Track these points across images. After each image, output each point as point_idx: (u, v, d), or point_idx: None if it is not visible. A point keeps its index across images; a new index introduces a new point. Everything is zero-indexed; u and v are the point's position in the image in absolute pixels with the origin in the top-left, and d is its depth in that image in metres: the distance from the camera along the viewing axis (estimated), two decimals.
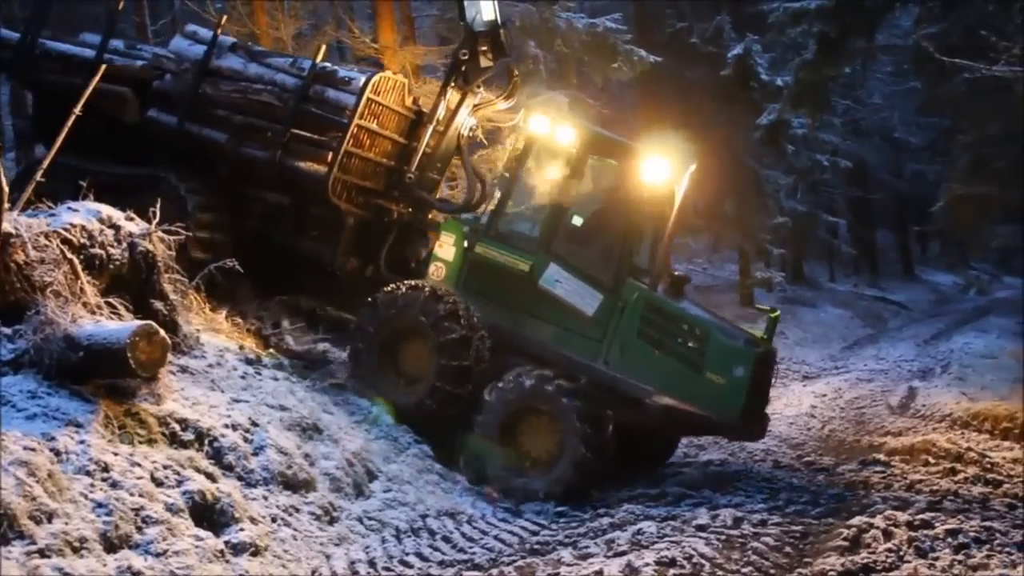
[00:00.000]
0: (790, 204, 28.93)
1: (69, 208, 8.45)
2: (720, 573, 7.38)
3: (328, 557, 7.40)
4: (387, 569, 7.41)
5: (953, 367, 18.96)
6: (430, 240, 11.90)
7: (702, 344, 10.46)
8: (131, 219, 8.73)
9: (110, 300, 8.00)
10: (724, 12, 25.97)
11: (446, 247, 11.15)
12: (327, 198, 11.21)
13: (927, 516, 8.75)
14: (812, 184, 31.35)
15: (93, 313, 7.75)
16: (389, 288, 10.81)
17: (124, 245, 8.46)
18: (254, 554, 6.80)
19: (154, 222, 8.67)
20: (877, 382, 18.95)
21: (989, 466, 11.42)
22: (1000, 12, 11.57)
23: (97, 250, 8.26)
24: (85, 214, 8.41)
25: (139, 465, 6.79)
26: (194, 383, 8.32)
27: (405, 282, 10.82)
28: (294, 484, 7.94)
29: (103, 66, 11.62)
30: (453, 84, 11.62)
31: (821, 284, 35.23)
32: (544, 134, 10.88)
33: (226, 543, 6.73)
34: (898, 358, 22.27)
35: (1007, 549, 8.00)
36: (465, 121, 11.91)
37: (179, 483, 6.91)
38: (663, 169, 10.74)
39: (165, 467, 6.96)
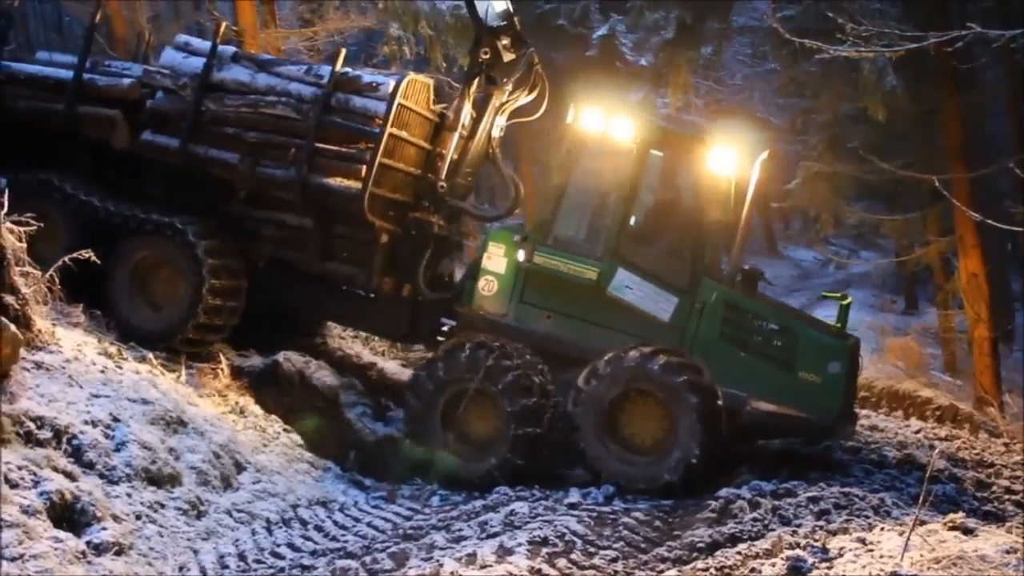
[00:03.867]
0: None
1: None
2: (592, 549, 7.49)
3: (196, 552, 7.23)
4: (258, 561, 7.29)
5: None
6: (464, 252, 11.37)
7: (791, 342, 9.98)
8: None
9: None
10: None
11: (496, 259, 10.50)
12: (361, 216, 10.45)
13: (790, 485, 9.05)
14: None
15: None
16: (453, 342, 10.18)
17: None
18: (118, 553, 6.59)
19: (2, 212, 8.28)
20: None
21: None
22: None
23: None
24: None
25: None
26: (50, 379, 8.00)
27: (471, 337, 10.12)
28: (159, 479, 7.72)
29: (85, 86, 10.98)
30: (477, 86, 10.96)
31: None
32: (597, 130, 10.22)
33: (88, 543, 6.49)
34: None
35: (864, 513, 8.33)
36: (496, 122, 11.22)
37: (35, 484, 6.63)
38: (732, 158, 10.20)
39: (20, 468, 6.66)
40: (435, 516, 8.73)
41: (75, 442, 7.31)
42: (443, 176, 10.98)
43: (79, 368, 8.39)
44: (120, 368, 9.00)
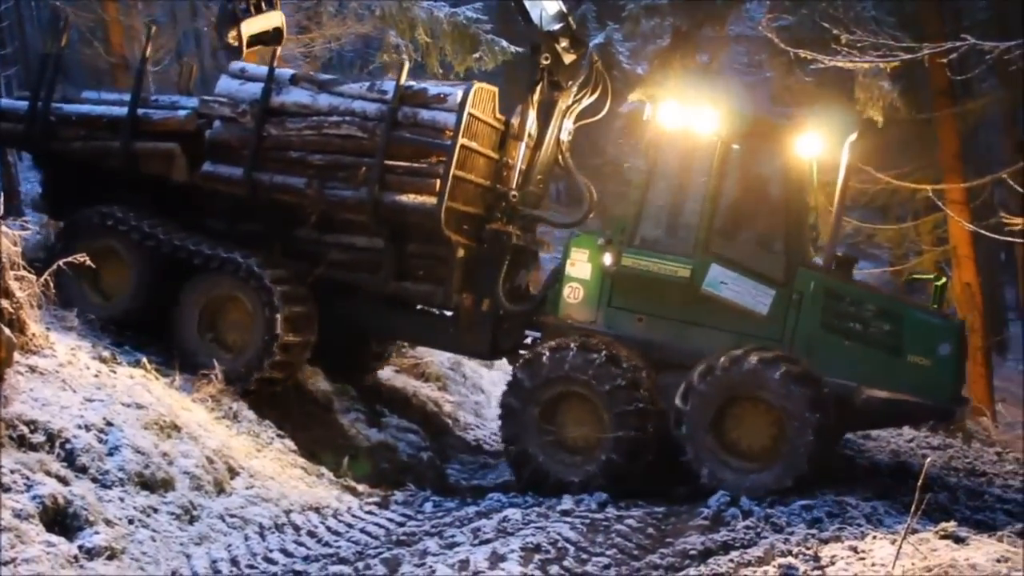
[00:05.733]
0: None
1: None
2: (585, 556, 7.49)
3: (189, 557, 7.22)
4: (251, 567, 7.28)
5: None
6: (539, 261, 11.16)
7: (897, 325, 9.68)
8: None
9: None
10: (588, 1, 26.26)
11: (580, 265, 10.24)
12: (436, 232, 10.25)
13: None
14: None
15: None
16: (558, 341, 9.95)
17: None
18: (110, 558, 6.59)
19: None
20: None
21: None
22: (844, 7, 12.06)
23: None
24: None
25: None
26: (44, 383, 7.99)
27: (576, 337, 9.91)
28: (152, 484, 7.71)
29: (140, 121, 10.88)
30: (540, 92, 10.79)
31: None
32: (678, 125, 9.97)
33: (80, 548, 6.49)
34: None
35: (857, 521, 8.34)
36: (563, 126, 11.08)
37: (28, 487, 6.63)
38: (821, 143, 10.02)
39: (13, 471, 6.66)
40: (428, 522, 8.72)
41: (68, 446, 7.31)
42: (514, 185, 10.84)
43: (73, 372, 8.40)
44: (114, 372, 9.01)
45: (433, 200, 10.17)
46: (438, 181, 10.15)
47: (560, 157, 11.23)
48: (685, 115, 9.92)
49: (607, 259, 10.07)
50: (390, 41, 16.52)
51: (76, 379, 8.34)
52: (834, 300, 9.80)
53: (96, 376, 8.68)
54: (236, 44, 11.48)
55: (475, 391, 15.52)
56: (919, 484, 6.07)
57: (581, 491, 9.44)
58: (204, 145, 10.87)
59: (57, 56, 11.55)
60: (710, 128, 9.89)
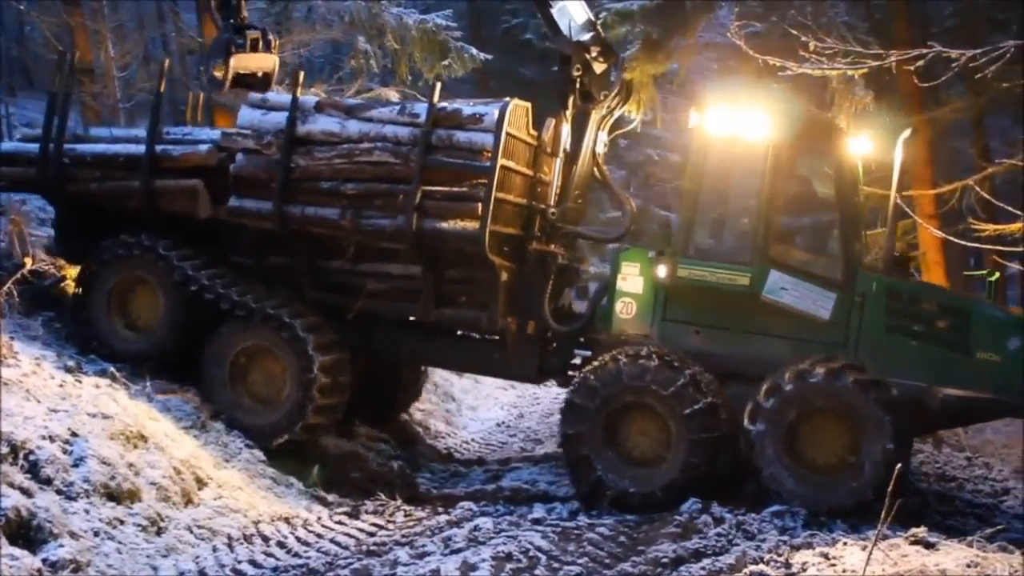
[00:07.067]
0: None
1: None
2: (556, 565, 7.46)
3: (156, 569, 7.14)
4: None
5: None
6: (580, 277, 10.87)
7: (963, 322, 9.48)
8: None
9: None
10: None
11: (631, 279, 9.99)
12: (479, 256, 9.89)
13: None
14: (645, 178, 32.12)
15: None
16: (606, 357, 9.62)
17: None
18: (75, 571, 6.50)
19: None
20: None
21: None
22: (814, 13, 12.11)
23: None
24: None
25: None
26: (7, 394, 7.88)
27: (624, 350, 9.59)
28: (118, 495, 7.60)
29: (160, 159, 10.59)
30: (572, 105, 10.54)
31: None
32: (726, 131, 9.70)
33: (44, 561, 6.40)
34: None
35: (828, 527, 8.37)
36: (598, 138, 10.81)
37: None
38: (874, 142, 9.94)
39: None
40: (399, 532, 8.66)
41: (32, 457, 7.21)
42: (552, 202, 10.63)
43: (37, 382, 8.30)
44: (79, 382, 8.90)
45: (475, 225, 9.83)
46: (479, 205, 9.81)
47: (597, 170, 11.05)
48: (734, 120, 9.71)
49: (661, 271, 9.83)
50: (359, 47, 16.45)
51: (40, 389, 8.24)
52: (897, 300, 9.64)
53: (61, 386, 8.57)
54: (220, 77, 11.18)
55: (446, 399, 15.48)
56: (889, 490, 6.07)
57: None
58: (228, 179, 10.52)
59: (66, 96, 11.21)
60: (761, 132, 9.68)
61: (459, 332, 11.01)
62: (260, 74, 11.51)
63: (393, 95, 15.84)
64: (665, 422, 9.48)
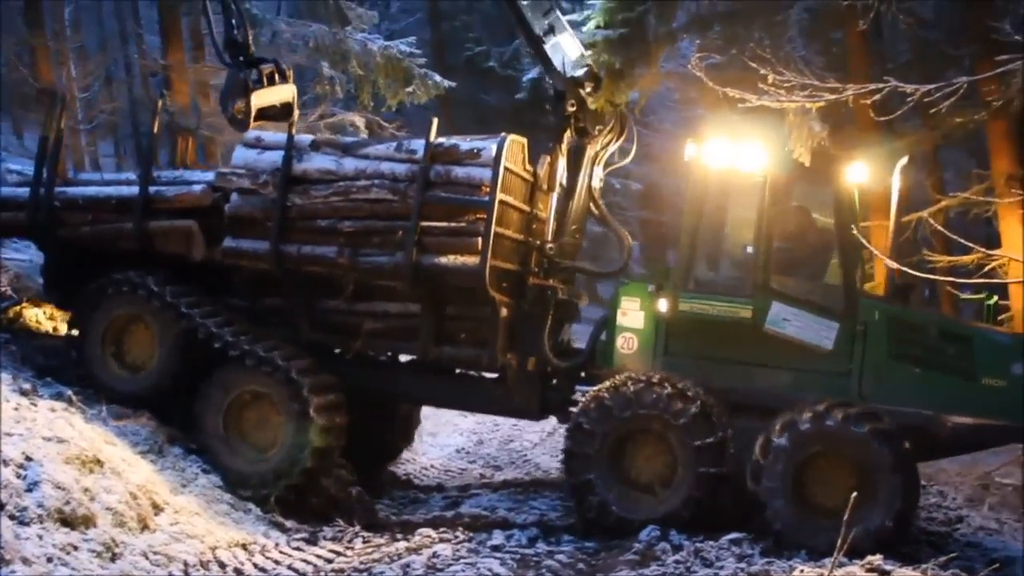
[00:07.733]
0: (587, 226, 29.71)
1: None
2: None
3: None
4: None
5: None
6: (579, 312, 10.93)
7: (966, 348, 9.46)
8: None
9: None
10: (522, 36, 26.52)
11: (631, 314, 9.97)
12: (479, 292, 9.87)
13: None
14: (608, 207, 32.31)
15: None
16: (613, 382, 9.60)
17: None
18: None
19: None
20: None
21: None
22: (773, 47, 12.26)
23: None
24: None
25: None
26: None
27: (630, 375, 9.59)
28: (72, 520, 7.50)
29: (153, 200, 10.47)
30: (567, 140, 10.61)
31: None
32: (723, 163, 9.75)
33: None
34: None
35: (785, 555, 8.43)
36: (594, 173, 10.90)
37: None
38: (871, 170, 9.95)
39: None
40: (357, 559, 8.62)
41: None
42: (549, 237, 10.66)
43: None
44: (35, 406, 8.80)
45: (475, 260, 9.81)
46: (479, 239, 9.80)
47: (593, 205, 11.12)
48: (731, 153, 9.76)
49: (662, 305, 9.82)
50: (324, 73, 16.48)
51: None
52: (900, 328, 9.62)
53: (16, 409, 8.47)
54: (242, 117, 11.02)
55: None
56: (845, 519, 6.13)
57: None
58: (223, 219, 10.45)
59: (57, 140, 11.11)
60: (759, 164, 9.77)
61: (458, 370, 10.96)
62: (280, 105, 11.33)
63: (358, 120, 15.87)
64: (672, 451, 9.47)
